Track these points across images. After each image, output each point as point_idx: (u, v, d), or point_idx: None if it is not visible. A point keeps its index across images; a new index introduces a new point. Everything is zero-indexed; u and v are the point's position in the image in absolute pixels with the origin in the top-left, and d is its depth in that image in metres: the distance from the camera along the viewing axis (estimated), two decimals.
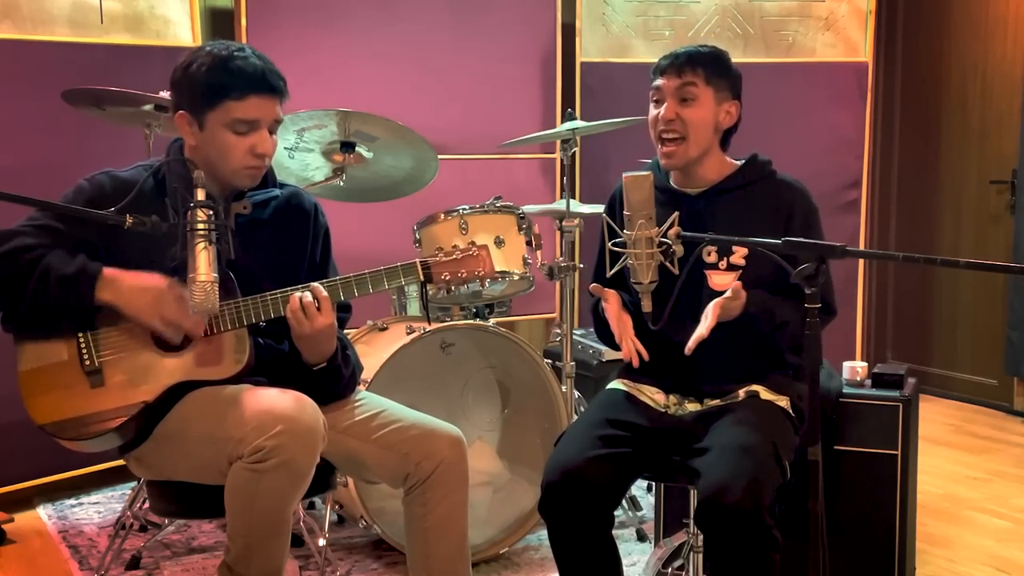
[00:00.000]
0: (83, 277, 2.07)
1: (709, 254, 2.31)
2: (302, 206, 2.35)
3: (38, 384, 2.11)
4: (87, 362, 2.11)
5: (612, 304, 2.30)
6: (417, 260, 2.21)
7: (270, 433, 1.96)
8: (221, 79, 2.12)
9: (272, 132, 2.20)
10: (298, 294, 2.13)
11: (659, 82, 2.33)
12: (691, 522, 2.38)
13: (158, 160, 2.23)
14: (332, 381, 2.25)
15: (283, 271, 2.24)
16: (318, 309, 2.12)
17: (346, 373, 2.27)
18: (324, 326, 2.13)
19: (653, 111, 2.35)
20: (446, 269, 2.21)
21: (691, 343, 2.13)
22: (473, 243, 2.25)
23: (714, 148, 2.35)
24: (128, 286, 2.09)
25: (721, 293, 2.21)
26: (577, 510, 2.14)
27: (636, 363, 2.24)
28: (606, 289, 2.32)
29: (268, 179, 2.33)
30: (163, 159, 2.22)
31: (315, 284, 2.15)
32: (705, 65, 2.30)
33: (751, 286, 2.25)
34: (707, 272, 2.30)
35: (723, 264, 2.30)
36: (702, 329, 2.13)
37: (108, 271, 2.10)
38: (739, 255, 2.30)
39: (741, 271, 2.29)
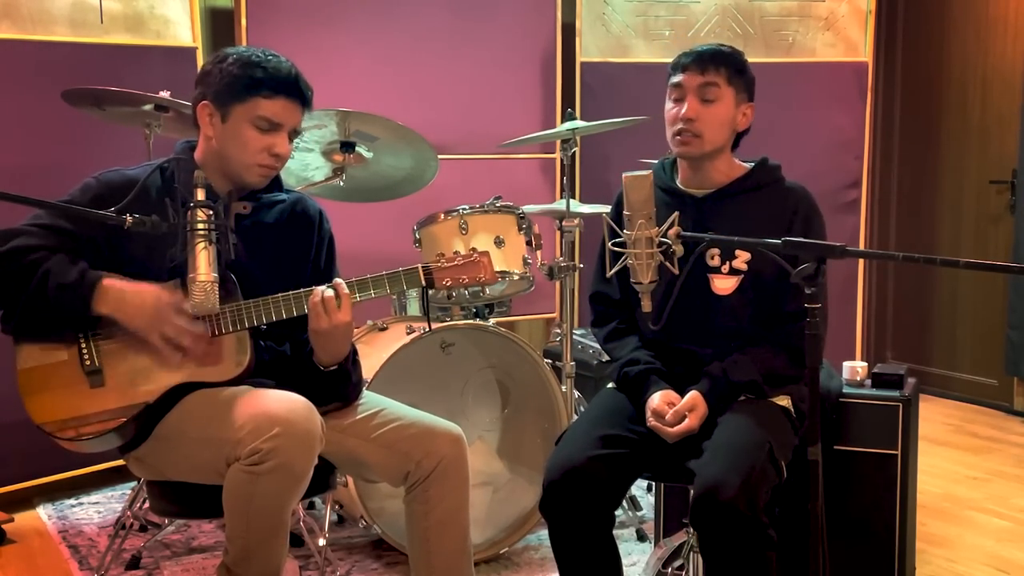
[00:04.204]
0: (81, 287, 2.06)
1: (712, 258, 2.32)
2: (307, 212, 2.35)
3: (37, 383, 2.11)
4: (87, 362, 2.11)
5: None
6: (419, 266, 2.21)
7: (267, 436, 1.95)
8: (256, 74, 2.15)
9: (290, 139, 2.21)
10: (320, 288, 2.13)
11: (680, 78, 2.31)
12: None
13: (166, 159, 2.23)
14: (340, 384, 2.25)
15: (286, 276, 2.24)
16: (338, 305, 2.12)
17: (354, 378, 2.28)
18: (342, 323, 2.13)
19: (672, 107, 2.33)
20: (448, 275, 2.21)
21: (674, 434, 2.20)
22: (475, 249, 2.26)
23: (726, 149, 2.36)
24: (128, 302, 2.08)
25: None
26: (579, 509, 2.15)
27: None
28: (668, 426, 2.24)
29: (276, 183, 2.33)
30: (171, 157, 2.21)
31: (339, 280, 2.15)
32: (728, 64, 2.30)
33: (753, 290, 2.27)
34: (710, 276, 2.31)
35: (726, 268, 2.31)
36: (691, 424, 2.20)
37: (108, 281, 2.08)
38: (741, 260, 2.30)
39: (743, 275, 2.30)
